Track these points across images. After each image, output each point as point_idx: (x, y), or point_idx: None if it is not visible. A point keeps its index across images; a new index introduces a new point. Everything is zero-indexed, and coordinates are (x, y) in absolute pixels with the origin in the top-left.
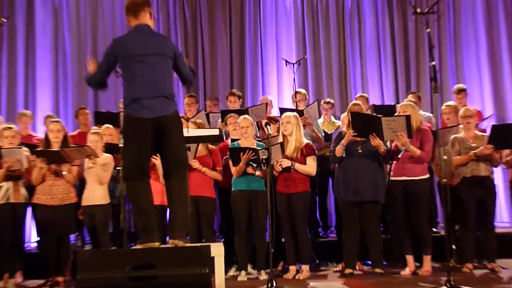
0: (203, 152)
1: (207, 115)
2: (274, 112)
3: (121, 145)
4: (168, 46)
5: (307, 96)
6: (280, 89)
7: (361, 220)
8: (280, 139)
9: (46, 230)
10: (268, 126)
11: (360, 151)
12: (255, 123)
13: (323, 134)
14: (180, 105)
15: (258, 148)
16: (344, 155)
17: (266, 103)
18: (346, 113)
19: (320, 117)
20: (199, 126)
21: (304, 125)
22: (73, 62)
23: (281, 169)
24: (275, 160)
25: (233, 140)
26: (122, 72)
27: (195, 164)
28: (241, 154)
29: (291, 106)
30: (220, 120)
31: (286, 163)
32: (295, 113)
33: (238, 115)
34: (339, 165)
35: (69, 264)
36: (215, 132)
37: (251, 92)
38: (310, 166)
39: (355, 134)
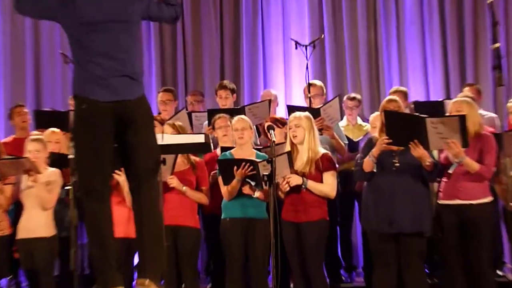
0: (183, 166)
1: (189, 116)
2: (280, 112)
3: (71, 156)
4: (134, 7)
5: (325, 90)
6: (288, 80)
7: (399, 259)
8: (288, 148)
9: None
10: (272, 131)
11: (397, 164)
12: (254, 126)
13: (347, 142)
14: (153, 103)
15: (258, 160)
16: (375, 170)
17: (269, 100)
18: (378, 113)
19: (342, 119)
20: (179, 130)
21: (320, 129)
22: (5, 42)
23: (289, 188)
24: (280, 177)
25: (223, 150)
26: (71, 46)
27: (172, 182)
28: (235, 168)
29: (303, 103)
30: (206, 122)
31: (296, 180)
32: (307, 113)
33: (230, 115)
34: (369, 184)
35: None
36: (200, 138)
37: (249, 85)
38: (328, 185)
39: (390, 141)
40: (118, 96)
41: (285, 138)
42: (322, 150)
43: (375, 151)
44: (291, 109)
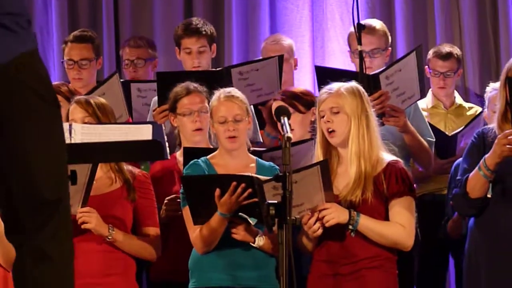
0: (109, 186)
1: (125, 87)
2: (303, 81)
3: None
4: None
5: (389, 38)
6: (317, 19)
7: None
8: (320, 154)
9: None
10: (286, 119)
11: None
12: (252, 107)
13: (434, 139)
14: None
15: (262, 177)
16: (489, 195)
17: (279, 56)
18: (497, 85)
19: (425, 95)
20: (98, 115)
21: (381, 116)
22: None
23: (321, 231)
24: (306, 209)
25: (192, 154)
26: None
27: (88, 219)
28: (217, 192)
29: (346, 64)
30: (155, 99)
31: (337, 216)
32: (355, 84)
33: (208, 87)
34: (478, 222)
35: None
36: (145, 132)
37: (240, 27)
38: (399, 226)
39: None
40: None
41: (313, 132)
42: (386, 156)
43: (490, 157)
44: (323, 74)
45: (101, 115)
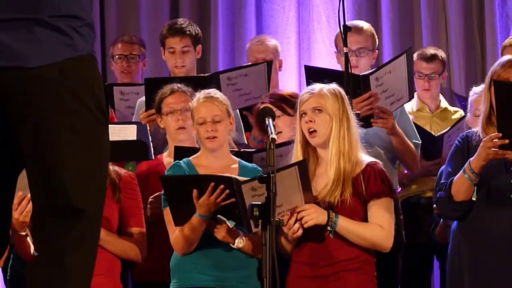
0: None
1: (108, 89)
2: (288, 82)
3: None
4: None
5: (376, 41)
6: (302, 20)
7: None
8: (299, 154)
9: None
10: (270, 120)
11: None
12: (237, 111)
13: (420, 142)
14: None
15: (242, 178)
16: (474, 198)
17: (269, 62)
18: (482, 87)
19: (412, 97)
20: None
21: (367, 118)
22: None
23: (300, 232)
24: (286, 210)
25: (178, 154)
26: None
27: None
28: (195, 192)
29: (332, 66)
30: (141, 99)
31: (316, 217)
32: (335, 86)
33: (192, 88)
34: (462, 226)
35: None
36: (129, 132)
37: (227, 28)
38: (378, 227)
39: (507, 142)
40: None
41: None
42: (366, 158)
43: (475, 160)
44: (312, 74)
45: None
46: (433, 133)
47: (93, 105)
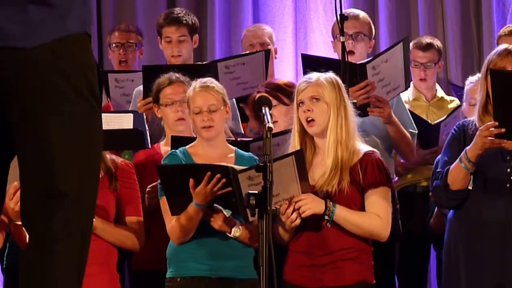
0: None
1: (103, 76)
2: (286, 71)
3: None
4: None
5: (373, 30)
6: (298, 9)
7: None
8: (297, 143)
9: None
10: (267, 109)
11: None
12: (234, 100)
13: (416, 131)
14: None
15: (238, 167)
16: (471, 187)
17: (267, 50)
18: (478, 76)
19: (408, 86)
20: None
21: (364, 106)
22: None
23: (299, 222)
24: (283, 199)
25: (176, 143)
26: None
27: None
28: (191, 182)
29: (329, 55)
30: (138, 89)
31: (313, 206)
32: (332, 74)
33: (188, 77)
34: (458, 214)
35: None
36: (126, 121)
37: (223, 16)
38: (375, 216)
39: (502, 131)
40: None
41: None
42: (363, 147)
43: (472, 149)
44: (309, 62)
45: None
46: (429, 122)
47: (86, 90)
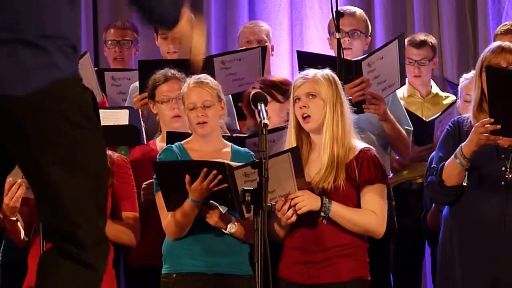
0: None
1: (99, 74)
2: (282, 68)
3: None
4: None
5: (369, 27)
6: (294, 5)
7: None
8: (292, 138)
9: None
10: (262, 105)
11: (510, 175)
12: (230, 97)
13: (412, 128)
14: None
15: (234, 163)
16: (465, 184)
17: (263, 47)
18: (474, 73)
19: (403, 83)
20: None
21: (359, 103)
22: None
23: (295, 219)
24: (279, 196)
25: (170, 140)
26: None
27: None
28: (187, 178)
29: (325, 52)
30: (134, 85)
31: (309, 203)
32: (329, 71)
33: (184, 73)
34: (454, 210)
35: None
36: (121, 117)
37: (219, 12)
38: (371, 213)
39: (498, 127)
40: None
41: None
42: (359, 144)
43: (467, 146)
44: (305, 59)
45: None
46: (424, 119)
47: (84, 121)
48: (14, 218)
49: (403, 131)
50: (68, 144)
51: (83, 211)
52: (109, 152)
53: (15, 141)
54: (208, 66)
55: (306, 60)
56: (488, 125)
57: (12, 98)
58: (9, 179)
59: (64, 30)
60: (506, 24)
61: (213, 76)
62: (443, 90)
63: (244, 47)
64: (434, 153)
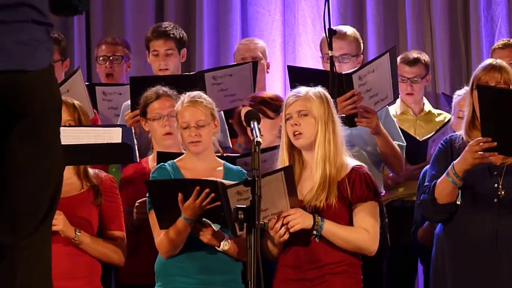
0: (75, 189)
1: (90, 89)
2: (274, 85)
3: None
4: None
5: (361, 45)
6: (287, 23)
7: None
8: (285, 159)
9: None
10: (255, 123)
11: (502, 192)
12: (222, 113)
13: (405, 144)
14: None
15: (227, 182)
16: (459, 202)
17: (254, 62)
18: (467, 88)
19: (396, 98)
20: (80, 117)
21: (351, 117)
22: None
23: (287, 236)
24: (272, 214)
25: (162, 157)
26: None
27: (55, 221)
28: (180, 196)
29: (318, 66)
30: (127, 103)
31: (301, 221)
32: (321, 89)
33: (176, 90)
34: (447, 229)
35: None
36: (114, 135)
37: (212, 30)
38: (363, 230)
39: (493, 145)
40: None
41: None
42: (351, 161)
43: (460, 164)
44: (295, 74)
45: (83, 120)
46: (417, 138)
47: (59, 117)
48: None
49: (396, 146)
50: (55, 140)
51: (41, 192)
52: (96, 171)
53: (21, 112)
54: (199, 82)
55: (297, 75)
56: (482, 144)
57: (25, 73)
58: None
59: (49, 17)
60: (505, 40)
61: (204, 91)
62: (436, 107)
63: (236, 64)
64: (426, 169)
